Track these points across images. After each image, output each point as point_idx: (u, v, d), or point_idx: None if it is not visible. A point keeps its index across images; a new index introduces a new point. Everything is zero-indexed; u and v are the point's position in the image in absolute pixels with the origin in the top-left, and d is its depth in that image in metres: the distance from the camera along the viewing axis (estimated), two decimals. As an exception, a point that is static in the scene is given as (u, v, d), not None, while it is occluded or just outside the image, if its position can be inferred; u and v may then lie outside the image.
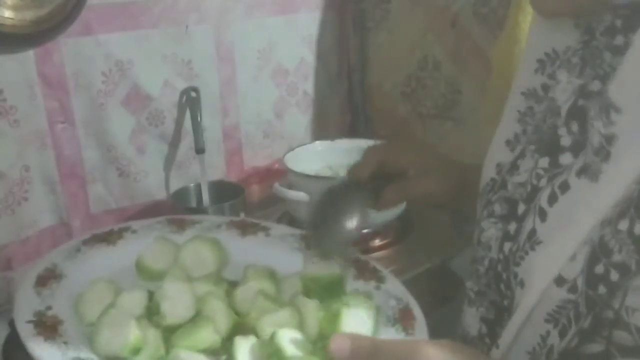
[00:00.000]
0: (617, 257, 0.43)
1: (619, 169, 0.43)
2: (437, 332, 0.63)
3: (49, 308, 0.56)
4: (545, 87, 0.53)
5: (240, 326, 0.59)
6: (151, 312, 0.58)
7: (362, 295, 0.61)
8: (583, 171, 0.46)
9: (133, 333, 0.53)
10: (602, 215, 0.44)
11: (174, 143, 1.07)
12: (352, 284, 0.65)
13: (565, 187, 0.47)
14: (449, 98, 1.19)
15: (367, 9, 1.28)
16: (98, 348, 0.53)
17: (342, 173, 1.08)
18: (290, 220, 1.10)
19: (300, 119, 1.26)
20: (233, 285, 0.64)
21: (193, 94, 1.03)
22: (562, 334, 0.46)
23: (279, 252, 0.70)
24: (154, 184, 1.06)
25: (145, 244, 0.68)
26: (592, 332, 0.44)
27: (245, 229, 0.73)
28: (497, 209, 0.55)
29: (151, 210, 1.06)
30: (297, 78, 1.23)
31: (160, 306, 0.58)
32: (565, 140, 0.48)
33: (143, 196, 1.05)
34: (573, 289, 0.45)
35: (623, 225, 0.43)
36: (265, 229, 0.73)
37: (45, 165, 0.92)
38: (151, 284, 0.63)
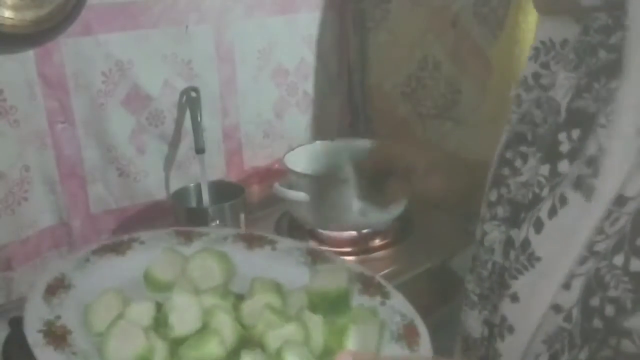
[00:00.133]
0: (612, 293, 0.43)
1: (604, 189, 0.43)
2: (437, 332, 0.63)
3: (58, 317, 0.56)
4: (536, 76, 0.52)
5: (247, 339, 0.59)
6: (159, 324, 0.59)
7: (368, 311, 0.61)
8: (578, 185, 0.45)
9: (141, 344, 0.54)
10: (588, 240, 0.44)
11: (174, 143, 1.07)
12: (358, 299, 0.65)
13: (563, 200, 0.46)
14: (449, 98, 1.19)
15: (367, 9, 1.28)
16: (107, 358, 0.54)
17: (342, 173, 1.08)
18: (290, 220, 1.11)
19: (300, 119, 1.26)
20: (240, 297, 0.64)
21: (193, 94, 1.03)
22: (552, 358, 0.46)
23: (285, 265, 0.70)
24: (154, 184, 1.06)
25: (153, 255, 0.68)
26: (601, 341, 0.44)
27: (251, 242, 0.74)
28: (500, 211, 0.54)
29: (151, 210, 1.06)
30: (297, 78, 1.23)
31: (168, 318, 0.58)
32: (565, 147, 0.47)
33: (143, 196, 1.05)
34: (568, 318, 0.45)
35: (618, 260, 0.42)
36: (271, 242, 0.74)
37: (45, 165, 0.92)
38: (159, 295, 0.63)
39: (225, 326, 0.58)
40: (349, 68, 1.35)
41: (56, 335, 0.54)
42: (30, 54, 0.87)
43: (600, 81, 0.45)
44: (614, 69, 0.44)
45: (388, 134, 1.30)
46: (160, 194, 1.07)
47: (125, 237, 0.72)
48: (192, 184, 1.06)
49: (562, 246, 0.46)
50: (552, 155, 0.48)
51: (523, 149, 0.53)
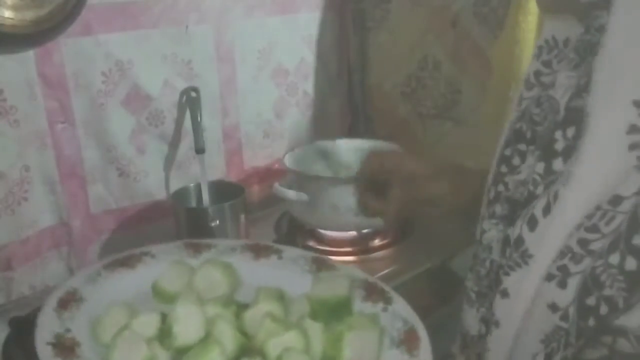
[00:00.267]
0: (607, 292, 0.43)
1: (575, 189, 0.43)
2: (437, 332, 0.63)
3: (68, 330, 0.58)
4: (537, 74, 0.52)
5: (248, 348, 0.60)
6: (164, 334, 0.60)
7: (367, 318, 0.62)
8: (566, 182, 0.45)
9: (143, 354, 0.56)
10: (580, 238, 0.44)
11: (174, 143, 1.07)
12: (360, 305, 0.66)
13: (556, 198, 0.46)
14: (449, 98, 1.19)
15: (367, 9, 1.28)
16: None
17: (342, 173, 1.08)
18: (290, 220, 1.10)
19: (300, 119, 1.26)
20: (245, 307, 0.65)
21: (193, 94, 1.03)
22: (548, 358, 0.47)
23: (290, 274, 0.72)
24: (154, 184, 1.06)
25: (163, 268, 0.70)
26: (594, 338, 0.44)
27: (258, 252, 0.76)
28: (498, 209, 0.54)
29: (151, 210, 1.06)
30: (297, 78, 1.23)
31: (172, 328, 0.60)
32: (559, 145, 0.47)
33: (143, 196, 1.05)
34: (565, 317, 0.45)
35: (614, 259, 0.43)
36: (277, 252, 0.76)
37: (45, 165, 0.92)
38: (167, 307, 0.65)
39: (226, 335, 0.59)
40: (349, 68, 1.35)
41: (65, 347, 0.56)
42: (30, 54, 0.87)
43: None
44: None
45: (388, 134, 1.30)
46: (160, 194, 1.07)
47: (137, 250, 0.74)
48: (192, 184, 1.06)
49: (550, 242, 0.46)
50: (547, 154, 0.48)
51: (521, 147, 0.53)
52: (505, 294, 0.50)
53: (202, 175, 1.03)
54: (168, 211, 1.02)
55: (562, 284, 0.45)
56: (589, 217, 0.44)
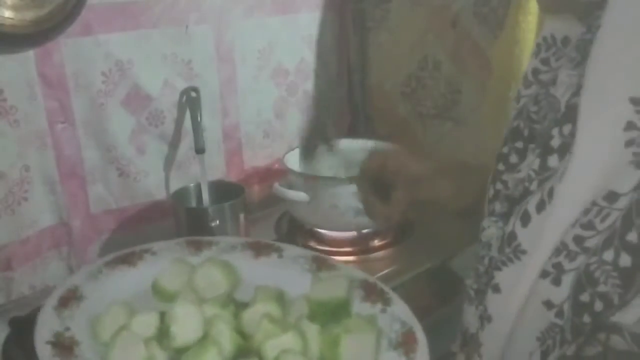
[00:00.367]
0: (602, 288, 0.43)
1: (569, 186, 0.44)
2: (437, 332, 0.63)
3: (67, 329, 0.58)
4: (535, 72, 0.52)
5: (245, 349, 0.60)
6: (163, 334, 0.60)
7: (364, 320, 0.62)
8: (561, 179, 0.45)
9: (141, 354, 0.56)
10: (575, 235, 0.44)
11: (174, 143, 1.07)
12: (359, 306, 0.66)
13: (551, 194, 0.46)
14: (449, 98, 1.19)
15: (367, 9, 1.28)
16: None
17: (342, 173, 1.08)
18: (290, 220, 1.10)
19: (300, 119, 1.26)
20: (244, 306, 0.65)
21: (193, 94, 1.03)
22: (544, 355, 0.47)
23: (290, 273, 0.72)
24: (154, 184, 1.06)
25: (163, 266, 0.70)
26: (589, 335, 0.44)
27: (259, 250, 0.76)
28: (498, 207, 0.54)
29: (151, 210, 1.06)
30: (297, 78, 1.23)
31: (170, 328, 0.60)
32: (555, 142, 0.47)
33: (143, 196, 1.05)
34: (560, 314, 0.45)
35: (608, 256, 0.43)
36: (278, 250, 0.76)
37: (45, 165, 0.92)
38: (167, 305, 0.65)
39: (224, 336, 0.59)
40: (349, 68, 1.35)
41: (64, 347, 0.56)
42: (30, 54, 0.87)
43: None
44: None
45: (388, 134, 1.30)
46: (160, 194, 1.07)
47: (137, 248, 0.74)
48: (192, 184, 1.06)
49: (545, 239, 0.46)
50: (544, 150, 0.48)
51: (518, 144, 0.53)
52: (496, 289, 0.50)
53: (202, 175, 1.03)
54: (168, 211, 1.02)
55: (557, 281, 0.45)
56: (585, 212, 0.44)
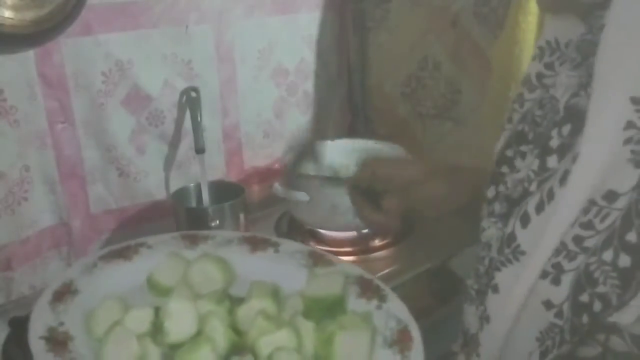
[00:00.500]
0: (601, 289, 0.43)
1: (573, 187, 0.43)
2: (437, 332, 0.63)
3: (61, 324, 0.58)
4: (539, 76, 0.52)
5: (239, 346, 0.59)
6: (157, 329, 0.60)
7: (359, 317, 0.62)
8: (563, 180, 0.45)
9: (134, 350, 0.55)
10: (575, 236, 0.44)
11: (174, 143, 1.07)
12: (355, 302, 0.65)
13: (550, 195, 0.46)
14: (449, 98, 1.19)
15: (367, 9, 1.28)
16: None
17: (342, 173, 1.08)
18: (290, 220, 1.10)
19: (300, 119, 1.26)
20: (239, 301, 0.65)
21: (193, 94, 1.03)
22: (543, 356, 0.47)
23: (286, 268, 0.71)
24: (154, 184, 1.06)
25: (159, 259, 0.69)
26: (588, 336, 0.44)
27: (255, 244, 0.75)
28: (497, 207, 0.54)
29: (151, 210, 1.06)
30: (297, 78, 1.23)
31: (164, 324, 0.59)
32: (555, 142, 0.47)
33: (143, 196, 1.05)
34: (559, 314, 0.45)
35: (607, 256, 0.43)
36: (275, 245, 0.75)
37: (45, 165, 0.92)
38: (163, 300, 0.64)
39: (218, 332, 0.58)
40: (349, 68, 1.35)
41: (57, 342, 0.55)
42: (30, 54, 0.87)
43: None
44: None
45: (388, 134, 1.30)
46: (160, 194, 1.07)
47: (133, 242, 0.73)
48: (192, 184, 1.06)
49: (545, 240, 0.46)
50: (543, 151, 0.48)
51: (523, 148, 0.53)
52: (495, 289, 0.50)
53: (202, 175, 1.03)
54: (168, 211, 1.02)
55: (556, 281, 0.45)
56: (585, 212, 0.44)
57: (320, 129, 1.30)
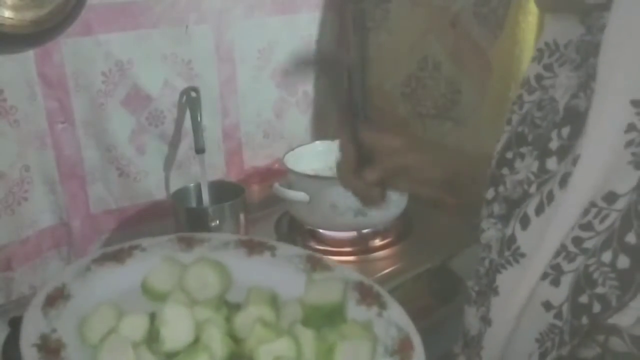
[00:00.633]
0: (600, 290, 0.43)
1: (574, 189, 0.43)
2: (437, 331, 0.63)
3: (54, 330, 0.56)
4: (539, 78, 0.52)
5: (237, 354, 0.58)
6: (152, 337, 0.58)
7: (360, 326, 0.61)
8: (563, 183, 0.45)
9: (130, 359, 0.54)
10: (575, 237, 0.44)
11: (174, 143, 1.07)
12: (355, 309, 0.64)
13: (550, 197, 0.46)
14: (449, 98, 1.19)
15: (367, 9, 1.28)
16: None
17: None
18: (290, 220, 1.11)
19: (300, 119, 1.26)
20: (236, 307, 0.63)
21: (193, 94, 1.03)
22: (542, 357, 0.47)
23: (283, 273, 0.70)
24: (154, 184, 1.06)
25: (153, 263, 0.68)
26: (588, 337, 0.44)
27: (252, 248, 0.73)
28: (496, 208, 0.54)
29: (151, 210, 1.06)
30: (298, 78, 1.23)
31: (160, 332, 0.57)
32: (554, 144, 0.47)
33: (143, 196, 1.05)
34: (559, 315, 0.45)
35: (606, 257, 0.43)
36: (271, 249, 0.73)
37: (45, 165, 0.92)
38: (158, 305, 0.63)
39: (215, 340, 0.57)
40: (349, 68, 1.34)
41: (50, 350, 0.54)
42: (30, 54, 0.87)
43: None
44: None
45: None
46: (160, 194, 1.07)
47: (127, 244, 0.72)
48: (192, 184, 1.06)
49: (546, 243, 0.46)
50: (543, 153, 0.48)
51: (523, 150, 0.53)
52: (496, 292, 0.50)
53: (202, 175, 1.03)
54: (168, 211, 1.02)
55: (556, 282, 0.45)
56: (584, 213, 0.44)
57: (320, 129, 1.30)
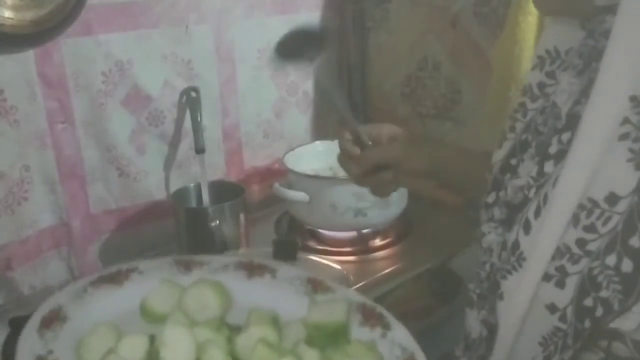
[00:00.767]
0: (604, 293, 0.43)
1: (565, 184, 0.44)
2: (437, 332, 0.63)
3: (50, 352, 0.56)
4: (541, 85, 0.52)
5: None
6: (152, 358, 0.57)
7: (365, 346, 0.60)
8: (555, 182, 0.45)
9: None
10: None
11: (174, 143, 1.07)
12: (358, 330, 0.64)
13: (545, 199, 0.46)
14: (449, 98, 1.19)
15: (367, 9, 1.28)
16: None
17: (342, 173, 1.08)
18: (290, 220, 1.11)
19: (300, 119, 1.26)
20: (236, 329, 0.63)
21: (193, 94, 1.03)
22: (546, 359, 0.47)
23: (284, 295, 0.69)
24: (154, 184, 1.06)
25: (151, 285, 0.67)
26: (590, 342, 0.44)
27: (252, 270, 0.73)
28: (497, 212, 0.54)
29: (151, 210, 1.06)
30: (297, 78, 1.23)
31: (160, 353, 0.57)
32: (553, 149, 0.47)
33: (143, 196, 1.05)
34: (563, 318, 0.45)
35: (610, 260, 0.43)
36: (272, 271, 0.73)
37: (45, 165, 0.92)
38: (156, 327, 0.62)
39: None
40: (349, 68, 1.35)
41: None
42: (30, 54, 0.87)
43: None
44: None
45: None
46: (160, 194, 1.07)
47: (124, 266, 0.71)
48: (192, 184, 1.06)
49: (543, 243, 0.46)
50: (542, 157, 0.48)
51: (526, 156, 0.53)
52: (501, 297, 0.50)
53: (202, 175, 1.03)
54: (168, 211, 1.02)
55: (561, 284, 0.45)
56: (588, 214, 0.44)
57: (320, 129, 1.30)
